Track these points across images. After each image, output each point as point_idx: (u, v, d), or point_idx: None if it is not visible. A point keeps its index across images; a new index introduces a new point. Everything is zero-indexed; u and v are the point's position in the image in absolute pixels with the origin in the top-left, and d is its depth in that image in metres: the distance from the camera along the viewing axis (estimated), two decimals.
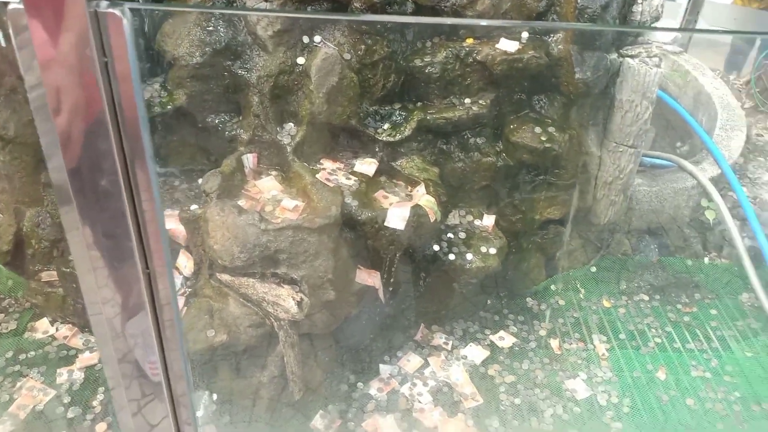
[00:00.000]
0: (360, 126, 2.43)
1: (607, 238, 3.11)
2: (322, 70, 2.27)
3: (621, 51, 2.75)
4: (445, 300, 2.66)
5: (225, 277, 2.11)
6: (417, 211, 2.28)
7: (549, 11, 2.53)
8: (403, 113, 2.50)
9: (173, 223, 2.24)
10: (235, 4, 2.31)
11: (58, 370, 2.44)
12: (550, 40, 2.54)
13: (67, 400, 2.33)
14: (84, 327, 2.61)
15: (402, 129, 2.46)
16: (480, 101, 2.53)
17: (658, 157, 3.24)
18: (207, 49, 2.28)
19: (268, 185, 2.32)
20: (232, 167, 2.28)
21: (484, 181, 2.67)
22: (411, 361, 2.57)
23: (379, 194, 2.39)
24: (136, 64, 0.85)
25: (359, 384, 2.45)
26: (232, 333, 2.09)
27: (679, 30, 4.68)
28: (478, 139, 2.62)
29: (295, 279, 2.09)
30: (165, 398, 1.12)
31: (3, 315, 2.68)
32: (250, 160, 2.36)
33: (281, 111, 2.38)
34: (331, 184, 2.26)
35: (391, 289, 2.44)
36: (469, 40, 2.48)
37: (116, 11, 0.80)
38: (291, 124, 2.38)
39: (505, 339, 2.72)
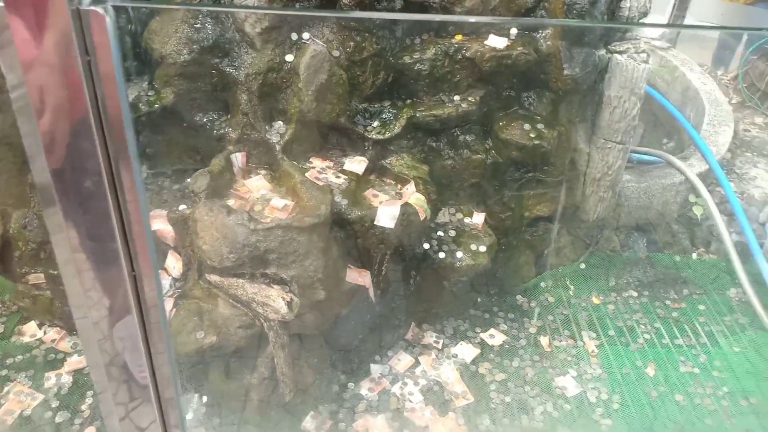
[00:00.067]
0: (349, 124, 2.41)
1: (596, 235, 3.13)
2: (311, 67, 2.25)
3: (609, 47, 2.75)
4: (436, 298, 2.66)
5: (214, 277, 2.09)
6: (407, 210, 2.27)
7: (538, 7, 2.53)
8: (393, 111, 2.49)
9: (161, 224, 2.22)
10: (222, 1, 2.29)
11: (46, 374, 2.41)
12: (538, 36, 2.54)
13: (55, 404, 2.30)
14: (72, 330, 2.58)
15: (391, 127, 2.45)
16: (469, 98, 2.53)
17: (646, 153, 3.26)
18: (195, 46, 2.26)
19: (257, 184, 2.30)
20: (221, 166, 2.27)
21: (473, 179, 2.67)
22: (402, 361, 2.57)
23: (369, 193, 2.39)
24: (120, 63, 0.83)
25: (350, 384, 2.44)
26: (221, 334, 2.07)
27: (667, 26, 4.71)
28: (467, 137, 2.61)
29: (284, 279, 2.08)
30: (153, 402, 1.11)
31: None
32: (238, 159, 2.35)
33: (270, 109, 2.36)
34: (320, 183, 2.25)
35: (381, 288, 2.44)
36: (458, 37, 2.48)
37: (99, 9, 0.79)
38: (280, 123, 2.36)
39: (495, 337, 2.73)
